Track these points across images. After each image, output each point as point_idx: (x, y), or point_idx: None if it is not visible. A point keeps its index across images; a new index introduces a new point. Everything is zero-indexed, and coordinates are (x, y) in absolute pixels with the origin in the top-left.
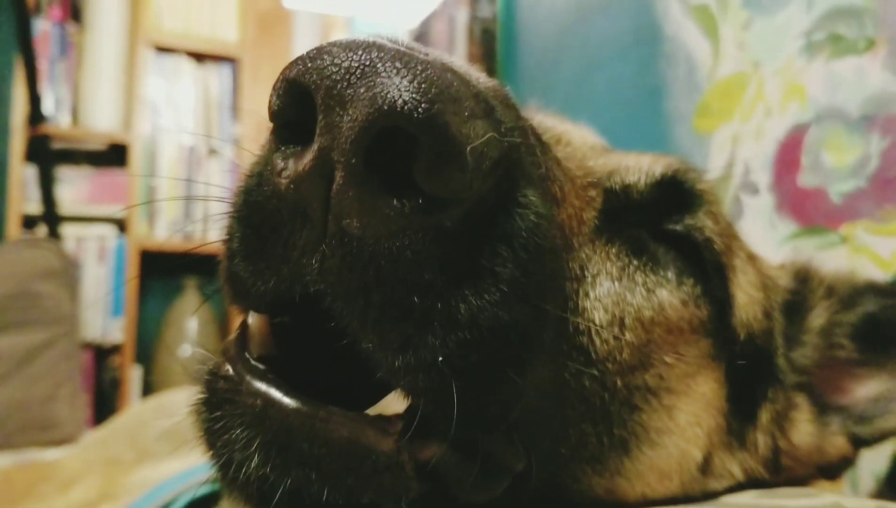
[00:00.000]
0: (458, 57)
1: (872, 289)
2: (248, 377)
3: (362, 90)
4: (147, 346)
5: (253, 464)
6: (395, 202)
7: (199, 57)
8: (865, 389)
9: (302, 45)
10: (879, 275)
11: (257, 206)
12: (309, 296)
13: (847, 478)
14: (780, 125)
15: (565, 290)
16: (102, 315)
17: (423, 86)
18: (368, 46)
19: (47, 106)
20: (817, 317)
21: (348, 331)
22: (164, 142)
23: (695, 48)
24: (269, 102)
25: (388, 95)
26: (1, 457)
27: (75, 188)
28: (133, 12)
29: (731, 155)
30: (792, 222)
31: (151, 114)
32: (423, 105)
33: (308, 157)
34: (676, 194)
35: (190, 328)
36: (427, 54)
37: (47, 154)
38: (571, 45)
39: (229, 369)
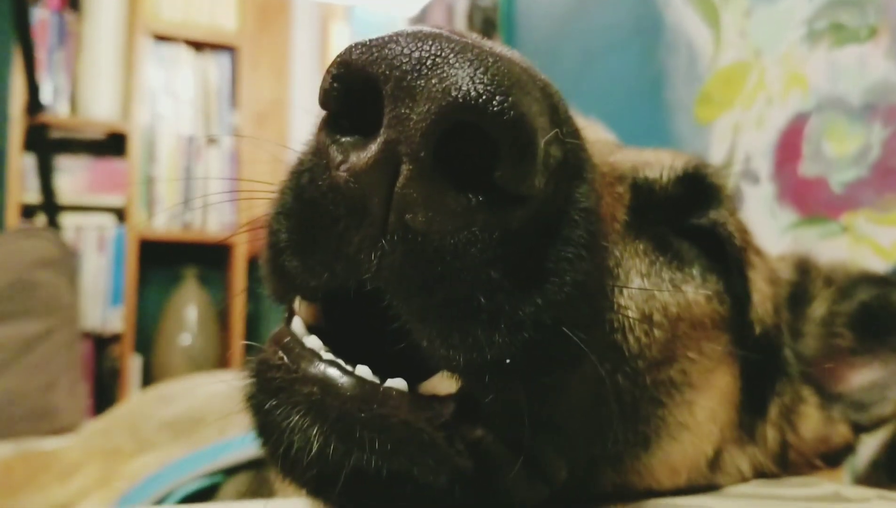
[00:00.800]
0: None
1: (866, 278)
2: (303, 364)
3: (434, 81)
4: (147, 335)
5: (314, 451)
6: (462, 198)
7: (198, 46)
8: (861, 377)
9: (301, 33)
10: (880, 264)
11: (310, 201)
12: (362, 289)
13: (846, 465)
14: (781, 114)
15: (608, 289)
16: (102, 305)
17: (496, 78)
18: (437, 37)
19: (46, 95)
20: (818, 307)
21: (405, 325)
22: (163, 131)
23: (696, 37)
24: (324, 87)
25: (463, 88)
26: (1, 446)
27: (74, 178)
28: (131, 1)
29: (732, 144)
30: (793, 212)
31: (150, 103)
32: (497, 98)
33: (372, 149)
34: (697, 189)
35: (189, 317)
36: (493, 45)
37: (46, 143)
38: (572, 34)
39: (282, 356)
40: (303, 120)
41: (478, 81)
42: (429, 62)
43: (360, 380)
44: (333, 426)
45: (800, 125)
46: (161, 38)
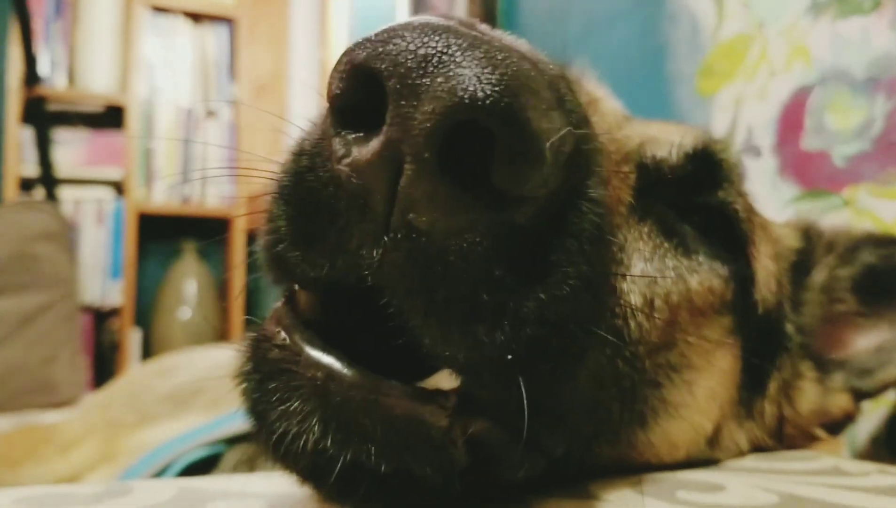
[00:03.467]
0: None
1: (871, 240)
2: (306, 348)
3: (440, 80)
4: (146, 309)
5: (312, 439)
6: (467, 198)
7: (196, 17)
8: (866, 340)
9: (300, 4)
10: None
11: (310, 190)
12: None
13: (846, 439)
14: (784, 87)
15: (612, 276)
16: (101, 278)
17: (504, 77)
18: (444, 31)
19: (43, 67)
20: (819, 274)
21: (406, 323)
22: (162, 103)
23: (698, 8)
24: (330, 84)
25: (470, 88)
26: (1, 419)
27: (72, 150)
28: None
29: (734, 117)
30: (795, 185)
31: (148, 75)
32: (505, 99)
33: (374, 146)
34: (707, 166)
35: (189, 290)
36: (501, 39)
37: (43, 116)
38: (574, 6)
39: (285, 337)
40: (302, 92)
41: (485, 81)
42: (434, 59)
43: (363, 370)
44: (335, 413)
45: (802, 98)
46: (159, 10)
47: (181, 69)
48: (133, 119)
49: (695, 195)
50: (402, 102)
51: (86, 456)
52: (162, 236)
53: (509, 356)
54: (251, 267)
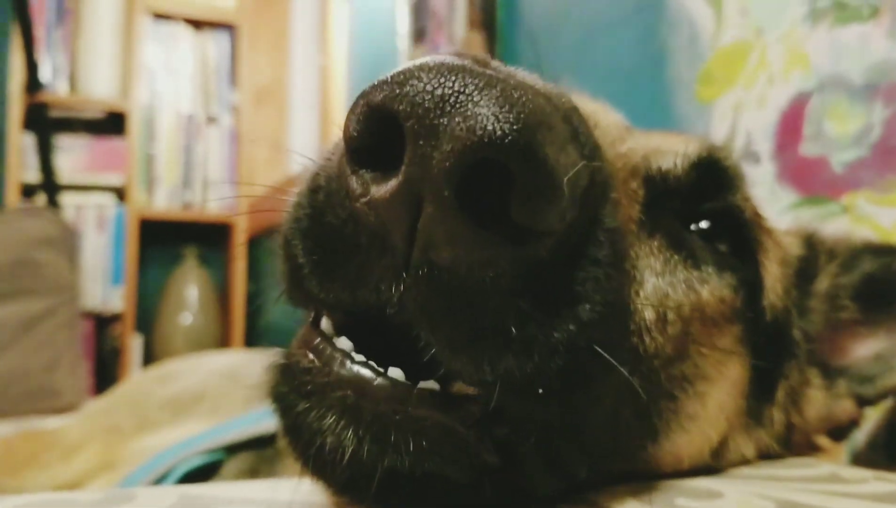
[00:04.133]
0: (458, 22)
1: (870, 249)
2: (335, 366)
3: (458, 119)
4: (147, 314)
5: (348, 454)
6: (487, 235)
7: (197, 24)
8: (866, 348)
9: (300, 11)
10: None
11: (329, 226)
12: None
13: (846, 445)
14: (782, 93)
15: (629, 298)
16: (102, 284)
17: (521, 115)
18: (460, 71)
19: (44, 73)
20: (822, 282)
21: (434, 354)
22: (163, 110)
23: (697, 15)
24: (346, 124)
25: (488, 127)
26: (2, 425)
27: (74, 157)
28: None
29: (733, 123)
30: (793, 192)
31: (149, 81)
32: (523, 137)
33: (393, 185)
34: (712, 174)
35: (190, 296)
36: (516, 76)
37: (45, 122)
38: (573, 12)
39: (313, 359)
40: (302, 98)
41: (503, 120)
42: (451, 99)
43: (394, 381)
44: (368, 428)
45: (801, 105)
46: (160, 16)
47: (182, 75)
48: (134, 125)
49: (702, 203)
50: (421, 142)
51: (87, 463)
52: (163, 241)
53: (537, 384)
54: (252, 273)
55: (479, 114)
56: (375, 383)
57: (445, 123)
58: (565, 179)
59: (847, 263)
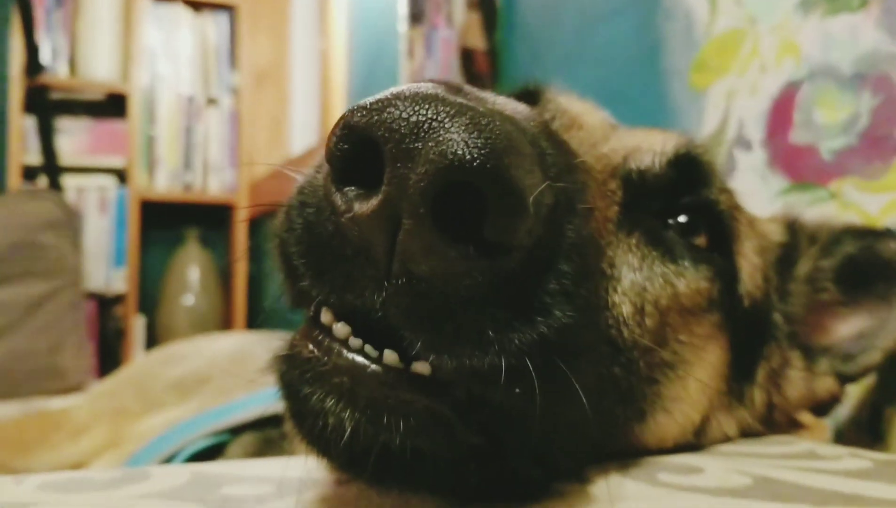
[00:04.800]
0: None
1: (850, 232)
2: (332, 356)
3: (431, 144)
4: (150, 296)
5: (346, 434)
6: (460, 248)
7: (197, 5)
8: (848, 327)
9: None
10: None
11: (318, 237)
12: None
13: (830, 422)
14: (774, 82)
15: (601, 293)
16: (105, 266)
17: (489, 141)
18: (433, 100)
19: (45, 56)
20: (803, 266)
21: (417, 350)
22: (163, 92)
23: (693, 4)
24: (329, 144)
25: (458, 151)
26: (8, 405)
27: (75, 139)
28: None
29: (726, 111)
30: (783, 178)
31: (149, 64)
32: (491, 160)
33: (373, 203)
34: (689, 169)
35: (192, 277)
36: (484, 102)
37: (46, 105)
38: (571, 2)
39: (314, 349)
40: (302, 80)
41: (472, 146)
42: (425, 126)
43: (386, 367)
44: (364, 411)
45: (792, 93)
46: None
47: (182, 57)
48: (135, 107)
49: (680, 198)
50: (398, 165)
51: (94, 442)
52: (165, 223)
53: (511, 383)
54: (253, 255)
55: (451, 140)
56: (369, 370)
57: (420, 147)
58: (531, 198)
59: (828, 246)
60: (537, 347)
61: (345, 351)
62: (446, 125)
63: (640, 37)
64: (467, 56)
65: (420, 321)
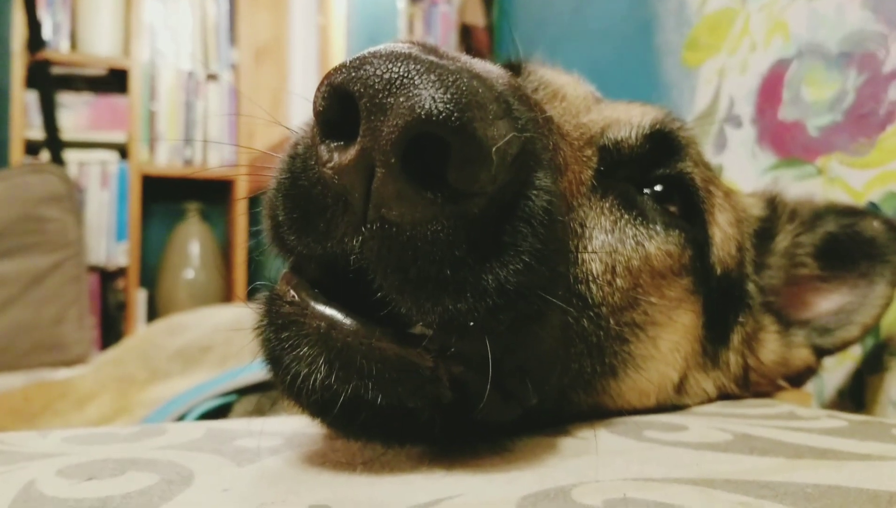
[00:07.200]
0: None
1: (833, 210)
2: (311, 302)
3: (401, 99)
4: (151, 270)
5: (319, 377)
6: (428, 195)
7: None
8: (828, 303)
9: None
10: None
11: (303, 188)
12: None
13: (814, 392)
14: (763, 60)
15: (570, 248)
16: (107, 239)
17: (454, 96)
18: (406, 58)
19: (46, 31)
20: (782, 240)
21: (387, 297)
22: (163, 67)
23: None
24: (314, 101)
25: (425, 106)
26: (13, 377)
27: (76, 114)
28: None
29: (717, 88)
30: (772, 154)
31: (150, 39)
32: (455, 114)
33: (351, 153)
34: (665, 143)
35: (193, 251)
36: (455, 61)
37: (48, 80)
38: None
39: (294, 295)
40: (302, 56)
41: (438, 100)
42: (397, 82)
43: (361, 320)
44: (337, 356)
45: (781, 71)
46: None
47: (182, 33)
48: (135, 82)
49: (655, 169)
50: (372, 118)
51: (101, 410)
52: (166, 197)
53: (472, 322)
54: (253, 229)
55: (419, 95)
56: (346, 321)
57: (392, 102)
58: (494, 148)
59: (809, 223)
60: (502, 289)
61: (321, 304)
62: (416, 81)
63: (634, 14)
64: (466, 32)
65: (392, 264)
